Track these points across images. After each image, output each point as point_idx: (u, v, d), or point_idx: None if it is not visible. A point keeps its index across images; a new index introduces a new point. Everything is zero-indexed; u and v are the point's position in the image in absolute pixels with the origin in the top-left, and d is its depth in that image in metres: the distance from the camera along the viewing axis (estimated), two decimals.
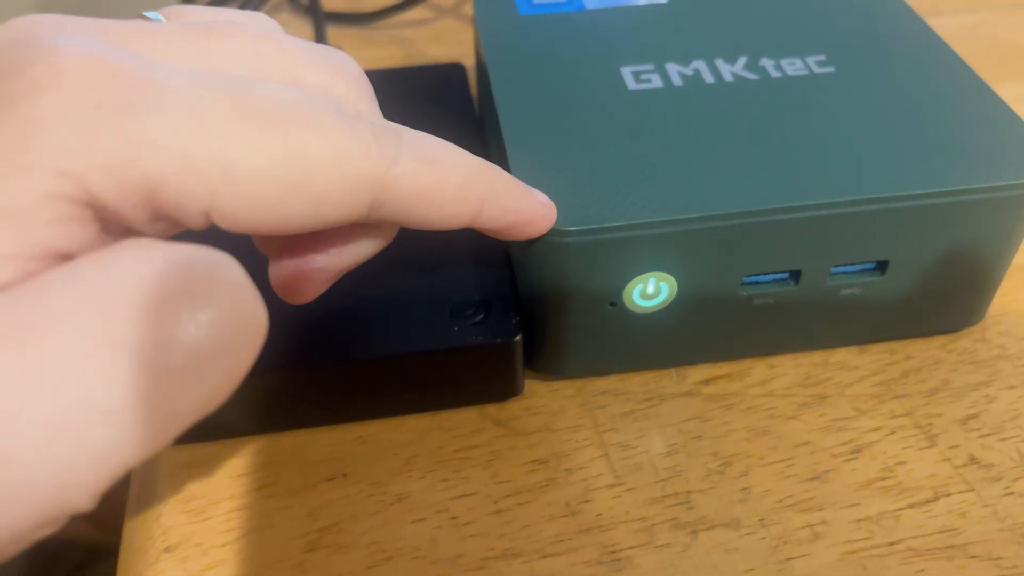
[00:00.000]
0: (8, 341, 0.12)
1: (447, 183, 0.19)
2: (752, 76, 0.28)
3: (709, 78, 0.28)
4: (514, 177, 0.22)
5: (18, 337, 0.12)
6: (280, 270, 0.20)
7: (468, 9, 0.44)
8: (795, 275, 0.25)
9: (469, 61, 0.39)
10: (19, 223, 0.13)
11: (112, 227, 0.15)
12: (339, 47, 0.39)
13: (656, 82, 0.27)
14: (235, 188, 0.15)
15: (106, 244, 0.14)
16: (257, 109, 0.16)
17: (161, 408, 0.13)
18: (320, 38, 0.39)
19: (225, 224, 0.16)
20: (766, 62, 0.28)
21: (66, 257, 0.14)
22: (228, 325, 0.14)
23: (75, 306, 0.13)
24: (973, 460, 0.25)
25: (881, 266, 0.25)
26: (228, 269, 0.14)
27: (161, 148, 0.14)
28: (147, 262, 0.13)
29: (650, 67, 0.28)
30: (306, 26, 0.43)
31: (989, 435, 0.25)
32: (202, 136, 0.15)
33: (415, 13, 0.44)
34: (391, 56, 0.41)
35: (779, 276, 0.25)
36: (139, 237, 0.14)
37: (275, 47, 0.18)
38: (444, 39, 0.42)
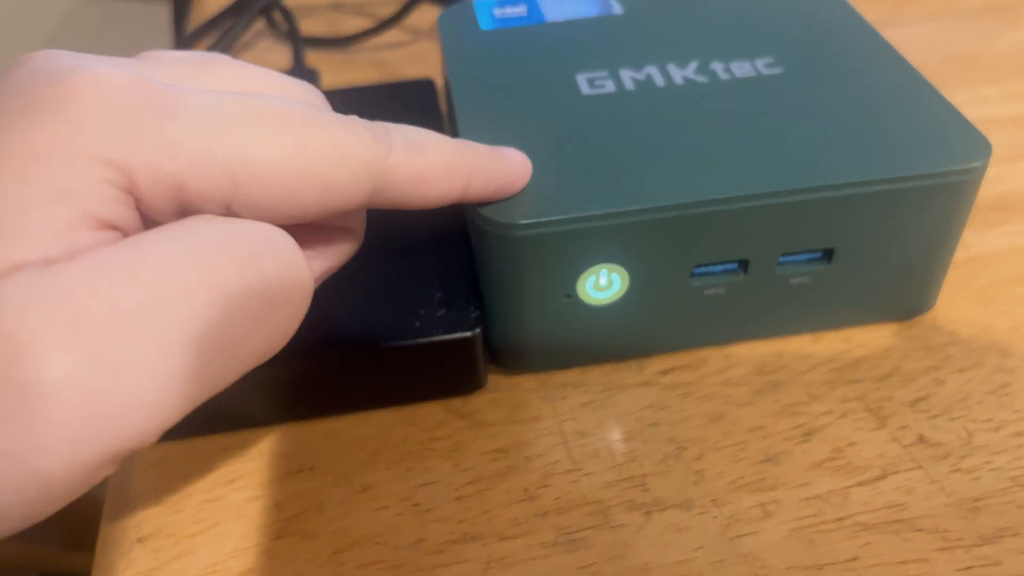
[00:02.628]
0: (118, 273, 0.15)
1: (435, 166, 0.21)
2: (702, 79, 0.29)
3: (660, 82, 0.29)
4: (487, 146, 0.24)
5: (128, 272, 0.15)
6: None
7: None
8: (744, 265, 0.26)
9: (441, 81, 0.40)
10: (77, 203, 0.15)
11: (145, 219, 0.17)
12: (317, 70, 0.41)
13: (609, 87, 0.29)
14: (255, 180, 0.17)
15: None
16: (267, 113, 0.18)
17: (234, 345, 0.17)
18: (299, 63, 0.41)
19: (245, 214, 0.18)
20: (716, 66, 0.29)
21: (116, 233, 0.16)
22: (288, 279, 0.18)
23: (173, 255, 0.16)
24: (921, 440, 0.25)
25: (827, 254, 0.26)
26: (283, 236, 0.18)
27: (190, 146, 0.17)
28: (225, 227, 0.17)
29: (604, 73, 0.29)
30: (285, 51, 0.45)
31: (938, 416, 0.26)
32: (225, 136, 0.17)
33: (392, 36, 0.45)
34: (369, 78, 0.42)
35: (728, 266, 0.26)
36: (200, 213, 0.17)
37: (254, 71, 0.21)
38: (420, 60, 0.44)
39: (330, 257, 0.23)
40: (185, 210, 0.17)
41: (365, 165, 0.19)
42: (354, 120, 0.20)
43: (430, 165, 0.21)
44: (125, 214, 0.16)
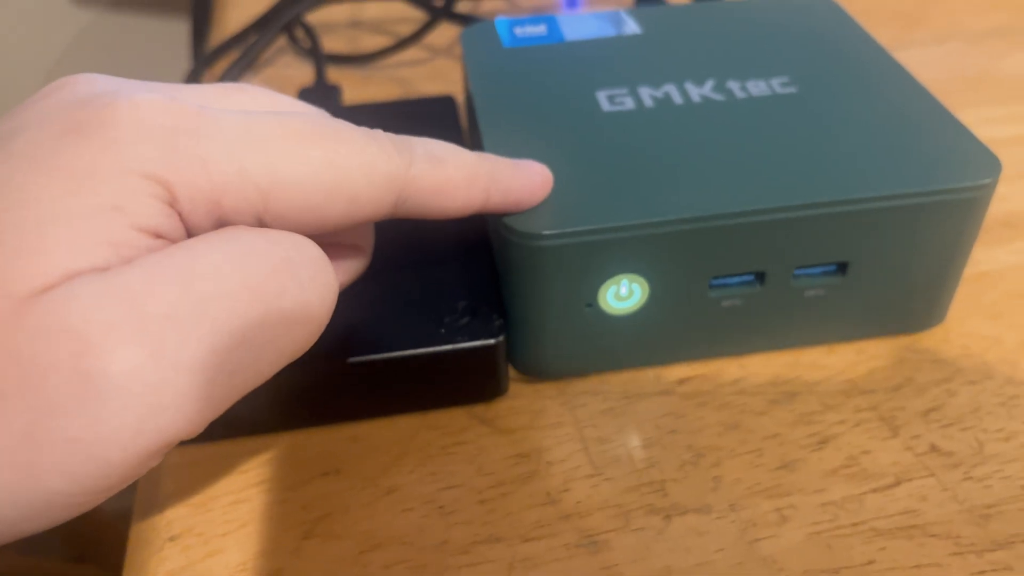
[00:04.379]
0: (174, 277, 0.16)
1: (456, 178, 0.22)
2: (719, 97, 0.30)
3: (679, 99, 0.29)
4: (507, 159, 0.24)
5: (182, 276, 0.16)
6: None
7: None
8: (760, 277, 0.27)
9: (461, 97, 0.41)
10: (128, 216, 0.16)
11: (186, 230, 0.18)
12: (339, 86, 0.41)
13: (629, 104, 0.29)
14: (284, 194, 0.18)
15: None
16: (295, 129, 0.19)
17: (272, 343, 0.18)
18: (321, 78, 0.42)
19: (276, 226, 0.19)
20: (732, 84, 0.30)
21: (164, 241, 0.17)
22: (319, 282, 0.19)
23: (219, 261, 0.17)
24: (934, 448, 0.26)
25: (841, 268, 0.27)
26: (312, 244, 0.19)
27: (223, 164, 0.18)
28: (260, 236, 0.18)
29: (624, 91, 0.30)
30: (306, 67, 0.46)
31: (950, 426, 0.26)
32: (255, 153, 0.18)
33: (411, 53, 0.46)
34: (388, 94, 0.43)
35: (745, 278, 0.27)
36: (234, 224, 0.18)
37: (273, 96, 0.22)
38: (439, 77, 0.45)
39: (340, 273, 0.24)
40: (221, 223, 0.18)
41: (389, 177, 0.20)
42: (377, 133, 0.21)
43: (450, 176, 0.22)
44: (171, 225, 0.17)
